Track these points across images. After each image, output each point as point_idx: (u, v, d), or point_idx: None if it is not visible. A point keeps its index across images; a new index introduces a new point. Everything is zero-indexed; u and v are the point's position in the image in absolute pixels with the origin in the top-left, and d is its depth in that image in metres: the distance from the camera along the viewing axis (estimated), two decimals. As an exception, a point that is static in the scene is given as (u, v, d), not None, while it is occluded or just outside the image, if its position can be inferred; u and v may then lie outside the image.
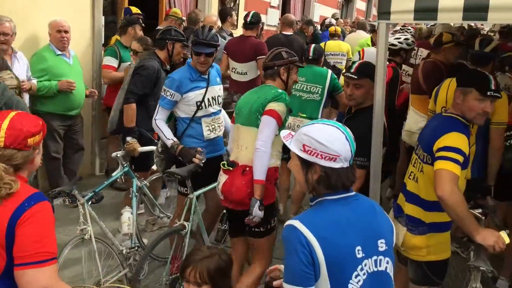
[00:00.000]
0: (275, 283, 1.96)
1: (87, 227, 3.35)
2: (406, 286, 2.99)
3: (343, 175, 1.77)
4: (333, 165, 1.75)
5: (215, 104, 3.76)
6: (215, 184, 3.37)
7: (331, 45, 7.62)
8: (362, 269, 1.73)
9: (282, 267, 1.94)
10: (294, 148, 1.83)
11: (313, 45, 5.05)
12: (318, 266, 1.67)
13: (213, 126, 3.75)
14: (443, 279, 2.85)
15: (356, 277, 1.71)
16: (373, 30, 7.79)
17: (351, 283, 1.70)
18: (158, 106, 3.66)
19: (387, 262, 1.81)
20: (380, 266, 1.78)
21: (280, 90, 3.16)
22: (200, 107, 3.65)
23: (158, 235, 3.45)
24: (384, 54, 2.58)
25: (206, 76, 3.70)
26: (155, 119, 3.63)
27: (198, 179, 3.55)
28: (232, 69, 5.87)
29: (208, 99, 3.68)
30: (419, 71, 4.57)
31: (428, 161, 2.68)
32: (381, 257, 1.79)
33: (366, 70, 3.09)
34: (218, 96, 3.80)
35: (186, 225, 3.39)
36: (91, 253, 3.35)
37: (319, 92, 4.71)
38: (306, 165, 1.80)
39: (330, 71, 4.82)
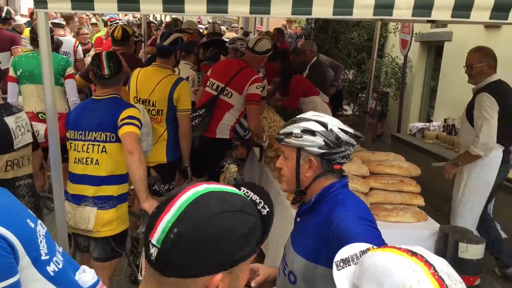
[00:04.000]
0: (252, 284, 1.94)
1: None
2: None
3: None
4: None
5: None
6: None
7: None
8: (40, 235, 1.84)
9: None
10: None
11: None
12: (17, 250, 1.69)
13: None
14: (124, 249, 3.15)
15: (40, 242, 1.82)
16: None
17: (41, 249, 1.80)
18: None
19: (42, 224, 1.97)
20: (43, 227, 1.93)
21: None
22: None
23: None
24: (47, 44, 2.48)
25: None
26: None
27: None
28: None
29: None
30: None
31: (113, 139, 2.92)
32: (39, 220, 1.94)
33: None
34: None
35: None
36: None
37: None
38: None
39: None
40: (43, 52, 2.49)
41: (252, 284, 1.96)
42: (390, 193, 3.15)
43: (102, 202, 2.92)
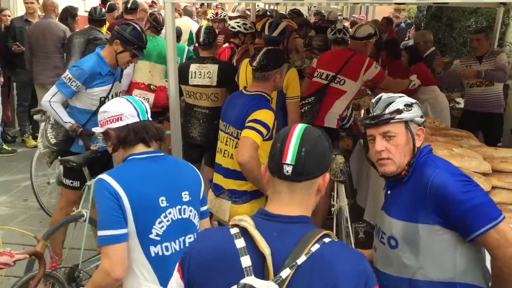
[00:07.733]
0: None
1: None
2: None
3: (136, 129, 1.98)
4: (120, 124, 1.98)
5: None
6: None
7: None
8: (166, 217, 1.94)
9: None
10: (98, 129, 2.07)
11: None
12: (125, 213, 1.85)
13: None
14: None
15: (159, 223, 1.92)
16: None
17: (155, 228, 1.91)
18: (56, 89, 3.40)
19: (191, 211, 2.03)
20: (184, 214, 2.00)
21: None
22: (104, 103, 3.38)
23: (55, 224, 3.34)
24: (172, 34, 2.61)
25: (114, 71, 3.56)
26: (50, 101, 3.39)
27: (94, 167, 3.45)
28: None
29: (112, 95, 3.54)
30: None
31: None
32: (185, 206, 2.01)
33: None
34: (120, 91, 3.73)
35: (85, 213, 3.26)
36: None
37: None
38: (105, 136, 2.05)
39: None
40: (169, 42, 2.65)
41: None
42: (516, 193, 2.90)
43: (236, 197, 2.99)
